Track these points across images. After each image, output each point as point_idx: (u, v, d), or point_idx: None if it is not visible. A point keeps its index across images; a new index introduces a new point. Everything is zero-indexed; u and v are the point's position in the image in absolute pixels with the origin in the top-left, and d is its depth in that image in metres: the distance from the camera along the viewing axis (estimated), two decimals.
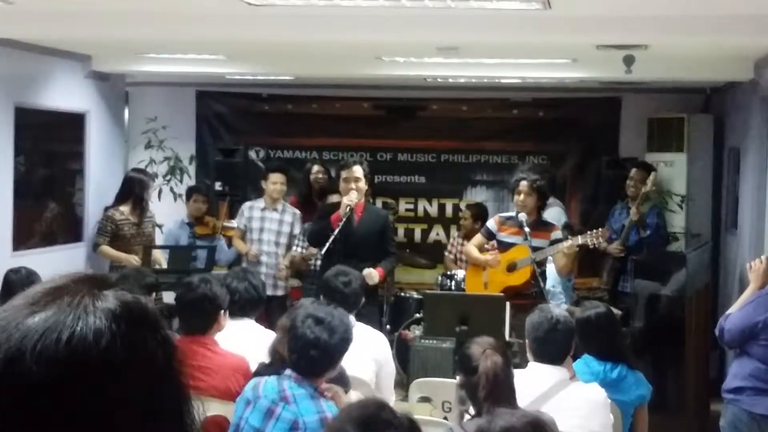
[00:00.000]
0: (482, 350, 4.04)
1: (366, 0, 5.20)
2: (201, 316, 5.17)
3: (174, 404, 1.19)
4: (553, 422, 3.91)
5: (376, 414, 2.53)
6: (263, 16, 6.01)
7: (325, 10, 5.53)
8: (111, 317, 1.14)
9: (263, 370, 4.73)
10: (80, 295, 1.16)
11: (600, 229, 8.00)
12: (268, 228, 9.05)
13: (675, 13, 5.67)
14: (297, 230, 9.12)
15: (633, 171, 9.50)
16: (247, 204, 9.27)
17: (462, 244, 9.88)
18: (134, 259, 8.78)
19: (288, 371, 4.22)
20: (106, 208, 9.35)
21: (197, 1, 5.79)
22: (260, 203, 9.14)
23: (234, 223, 9.39)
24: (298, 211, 9.23)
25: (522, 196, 7.85)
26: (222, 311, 5.29)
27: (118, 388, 1.12)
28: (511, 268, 7.82)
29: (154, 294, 6.11)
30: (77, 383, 1.10)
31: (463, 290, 8.50)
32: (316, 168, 10.17)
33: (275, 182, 9.04)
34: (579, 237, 7.90)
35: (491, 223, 8.12)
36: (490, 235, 8.07)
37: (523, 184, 7.85)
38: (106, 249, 8.94)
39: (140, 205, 9.10)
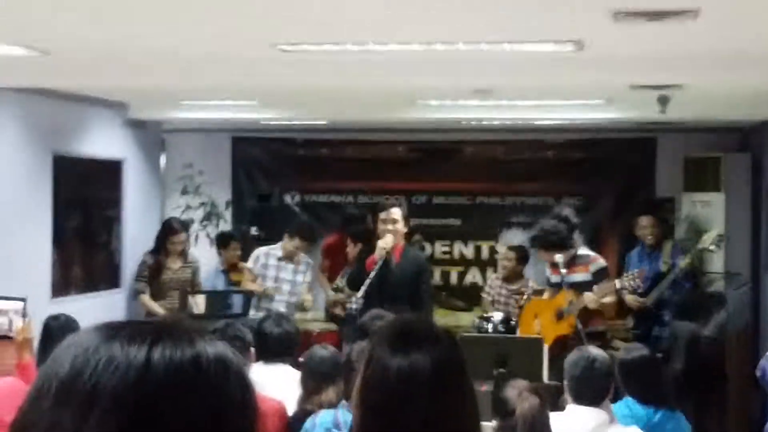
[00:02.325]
0: (518, 393, 4.01)
1: (399, 45, 5.22)
2: None
3: None
4: None
5: None
6: (296, 62, 6.05)
7: (358, 55, 5.55)
8: (221, 354, 1.25)
9: (302, 414, 4.76)
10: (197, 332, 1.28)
11: (636, 271, 7.96)
12: (284, 278, 9.10)
13: (709, 52, 5.64)
14: (309, 278, 9.20)
15: (643, 219, 9.39)
16: (263, 250, 9.21)
17: (501, 287, 9.82)
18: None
19: (343, 401, 4.32)
20: (144, 254, 9.54)
21: (231, 48, 5.84)
22: (278, 252, 9.14)
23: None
24: (311, 260, 9.30)
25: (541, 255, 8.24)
26: (251, 350, 5.36)
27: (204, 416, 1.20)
28: (560, 316, 7.83)
29: None
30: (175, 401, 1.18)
31: (501, 332, 8.44)
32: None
33: (297, 247, 9.11)
34: (616, 281, 7.88)
35: (547, 271, 8.27)
36: (553, 285, 8.20)
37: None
38: (144, 299, 9.19)
39: (171, 252, 9.31)
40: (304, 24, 4.88)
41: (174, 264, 9.40)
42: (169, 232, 9.49)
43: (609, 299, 7.92)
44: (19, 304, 6.18)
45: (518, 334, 8.27)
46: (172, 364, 1.19)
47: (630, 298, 8.88)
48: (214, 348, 1.25)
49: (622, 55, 5.84)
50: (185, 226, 9.89)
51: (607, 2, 4.18)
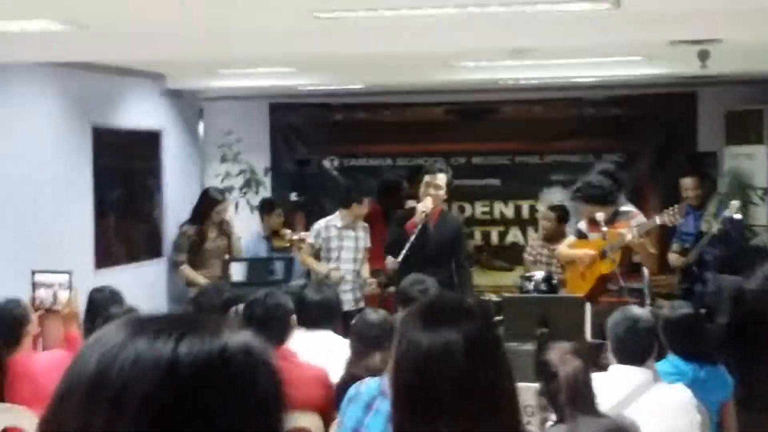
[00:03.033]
0: (561, 356, 4.01)
1: (432, 8, 5.20)
2: (276, 328, 5.20)
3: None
4: (635, 426, 3.87)
5: None
6: (331, 28, 6.04)
7: (391, 20, 5.53)
8: (248, 346, 1.26)
9: (349, 379, 4.78)
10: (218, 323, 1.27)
11: (676, 206, 7.94)
12: (347, 246, 8.95)
13: (747, 6, 5.57)
14: (368, 243, 9.08)
15: (686, 181, 9.28)
16: (322, 223, 9.00)
17: (542, 246, 9.78)
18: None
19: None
20: (181, 225, 9.54)
21: (266, 17, 5.83)
22: (336, 221, 8.96)
23: (304, 236, 9.24)
24: (366, 224, 9.18)
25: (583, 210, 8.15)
26: (292, 317, 5.37)
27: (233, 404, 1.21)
28: (603, 255, 7.81)
29: (234, 308, 6.15)
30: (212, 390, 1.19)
31: (542, 291, 8.43)
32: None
33: (364, 211, 9.03)
34: (657, 217, 7.88)
35: (582, 225, 8.16)
36: (582, 236, 8.10)
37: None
38: (185, 270, 9.18)
39: (211, 221, 9.32)
40: None
41: (212, 233, 9.43)
42: (211, 201, 9.51)
43: (650, 245, 7.91)
44: (65, 277, 6.25)
45: (561, 289, 8.27)
46: (198, 360, 1.19)
47: (673, 257, 8.85)
48: (240, 339, 1.25)
49: (659, 11, 5.77)
50: (224, 194, 9.92)
51: None
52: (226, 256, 9.44)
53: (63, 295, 6.17)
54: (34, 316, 5.54)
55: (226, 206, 9.66)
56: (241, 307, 5.69)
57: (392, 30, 6.18)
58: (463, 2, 5.12)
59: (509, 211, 11.70)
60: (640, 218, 8.03)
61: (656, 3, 5.37)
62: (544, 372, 4.04)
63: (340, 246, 8.89)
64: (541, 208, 10.79)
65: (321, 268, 8.85)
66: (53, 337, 6.06)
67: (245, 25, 6.15)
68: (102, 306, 6.02)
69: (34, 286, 6.27)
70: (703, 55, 7.32)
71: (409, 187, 9.96)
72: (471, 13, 5.32)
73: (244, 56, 8.01)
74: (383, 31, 6.25)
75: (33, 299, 6.14)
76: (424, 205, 8.00)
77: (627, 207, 8.36)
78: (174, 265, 9.55)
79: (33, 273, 6.32)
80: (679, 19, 6.02)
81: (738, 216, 8.53)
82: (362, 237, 9.02)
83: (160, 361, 1.18)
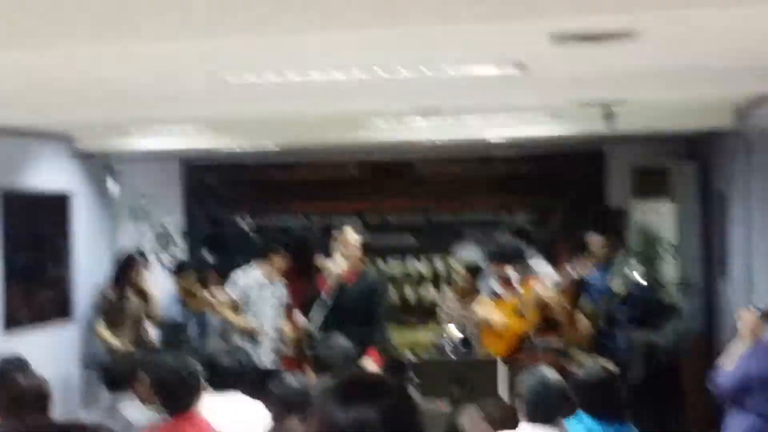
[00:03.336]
0: (471, 420, 4.03)
1: (339, 73, 5.24)
2: (186, 393, 5.16)
3: None
4: None
5: None
6: (242, 91, 6.05)
7: (301, 85, 5.56)
8: None
9: None
10: None
11: (581, 260, 8.04)
12: (268, 300, 8.90)
13: (650, 70, 5.70)
14: (288, 298, 9.03)
15: (592, 238, 9.36)
16: (243, 277, 8.98)
17: (456, 303, 9.81)
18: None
19: None
20: (101, 288, 9.45)
21: (176, 80, 5.82)
22: (256, 275, 8.92)
23: (219, 296, 9.14)
24: (285, 280, 9.13)
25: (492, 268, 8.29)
26: (201, 382, 5.31)
27: None
28: (519, 314, 7.89)
29: (144, 373, 6.06)
30: None
31: (460, 350, 8.44)
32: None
33: (285, 260, 8.99)
34: (570, 272, 7.97)
35: (495, 285, 8.23)
36: (496, 296, 8.17)
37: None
38: (101, 332, 9.06)
39: (129, 284, 9.22)
40: (244, 56, 4.88)
41: (131, 295, 9.34)
42: (130, 264, 9.42)
43: (564, 301, 8.02)
44: None
45: (478, 347, 8.31)
46: None
47: (583, 326, 8.97)
48: None
49: (564, 76, 5.88)
50: (143, 256, 9.83)
51: (544, 26, 4.20)
52: (145, 319, 9.34)
53: None
54: None
55: (145, 268, 9.58)
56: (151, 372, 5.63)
57: (302, 92, 6.20)
58: (368, 66, 5.17)
59: (424, 269, 11.76)
60: (552, 274, 8.14)
61: (561, 68, 5.47)
62: None
63: (262, 299, 8.84)
64: (455, 265, 10.86)
65: (241, 322, 8.78)
66: None
67: (154, 88, 6.12)
68: (8, 375, 5.89)
69: None
70: (608, 116, 7.48)
71: (326, 244, 9.96)
72: (378, 75, 5.37)
73: (154, 118, 7.97)
74: (293, 93, 6.27)
75: None
76: (336, 266, 8.00)
77: (538, 263, 8.47)
78: (90, 327, 9.44)
79: None
80: (584, 82, 6.15)
81: (641, 280, 8.68)
82: (283, 292, 8.99)
83: None
